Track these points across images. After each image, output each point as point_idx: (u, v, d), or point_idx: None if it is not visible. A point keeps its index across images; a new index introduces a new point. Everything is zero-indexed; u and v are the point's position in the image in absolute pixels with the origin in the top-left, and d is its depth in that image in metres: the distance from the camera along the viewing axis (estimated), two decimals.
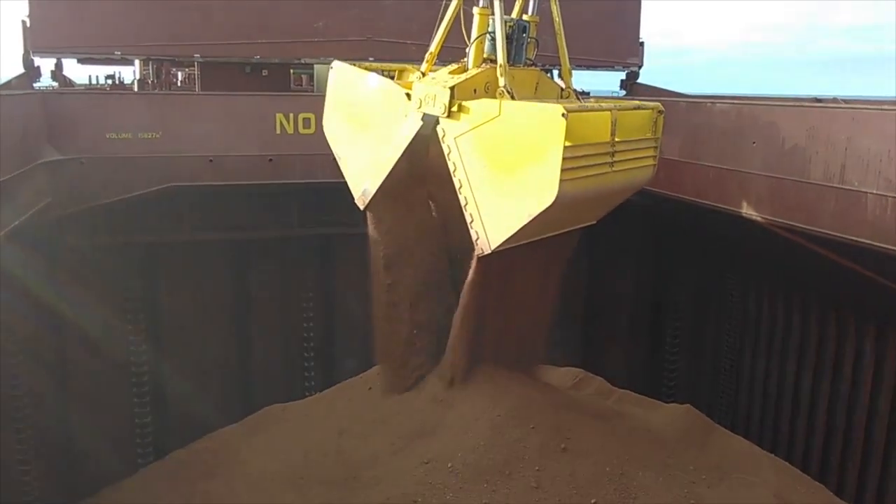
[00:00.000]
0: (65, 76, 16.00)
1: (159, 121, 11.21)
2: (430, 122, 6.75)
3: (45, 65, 13.98)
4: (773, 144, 9.96)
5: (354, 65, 7.31)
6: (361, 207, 7.70)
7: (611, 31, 15.69)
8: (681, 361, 14.92)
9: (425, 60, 7.18)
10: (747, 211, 10.34)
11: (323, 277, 13.69)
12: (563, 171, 5.73)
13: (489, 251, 6.21)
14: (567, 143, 5.74)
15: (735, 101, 11.29)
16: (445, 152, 6.46)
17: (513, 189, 6.02)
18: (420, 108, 6.61)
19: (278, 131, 11.60)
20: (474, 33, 6.86)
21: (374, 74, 7.06)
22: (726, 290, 13.56)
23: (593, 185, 6.42)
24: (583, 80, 16.16)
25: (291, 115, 11.59)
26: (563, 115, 5.72)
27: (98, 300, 11.57)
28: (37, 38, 12.54)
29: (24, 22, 12.86)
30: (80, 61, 16.15)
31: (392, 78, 7.64)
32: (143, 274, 12.47)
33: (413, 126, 6.77)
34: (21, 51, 12.93)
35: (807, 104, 10.54)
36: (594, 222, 7.78)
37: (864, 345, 10.77)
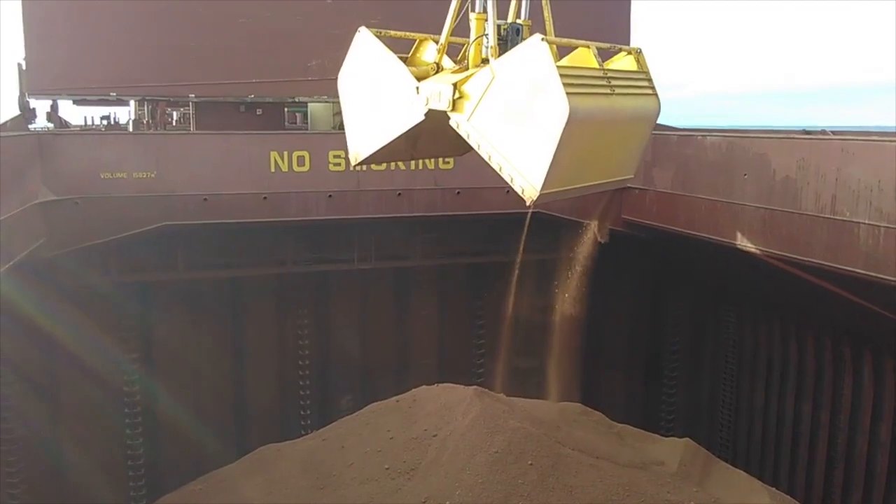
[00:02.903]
0: (60, 117, 16.14)
1: (154, 160, 11.26)
2: (431, 117, 6.93)
3: (41, 106, 14.13)
4: (764, 176, 10.05)
5: (380, 33, 7.46)
6: (353, 164, 7.89)
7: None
8: (679, 394, 14.86)
9: (437, 51, 7.39)
10: (741, 242, 10.38)
11: (318, 314, 13.66)
12: (564, 86, 5.86)
13: (537, 195, 6.26)
14: (557, 64, 5.99)
15: (726, 134, 11.41)
16: (465, 137, 6.61)
17: (533, 129, 6.14)
18: (427, 104, 6.80)
19: (273, 169, 11.65)
20: (472, 36, 7.06)
21: (392, 57, 7.22)
22: (722, 321, 13.57)
23: (603, 106, 6.54)
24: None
25: (286, 154, 11.65)
26: (541, 39, 6.04)
27: (92, 339, 11.53)
28: (33, 81, 12.65)
29: (20, 65, 13.01)
30: (76, 102, 16.27)
31: (412, 46, 7.81)
32: (138, 313, 12.43)
33: (416, 117, 6.99)
34: (17, 93, 13.07)
35: (796, 136, 10.65)
36: (631, 175, 7.82)
37: (861, 373, 10.76)
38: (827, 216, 9.07)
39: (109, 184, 10.97)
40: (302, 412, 13.60)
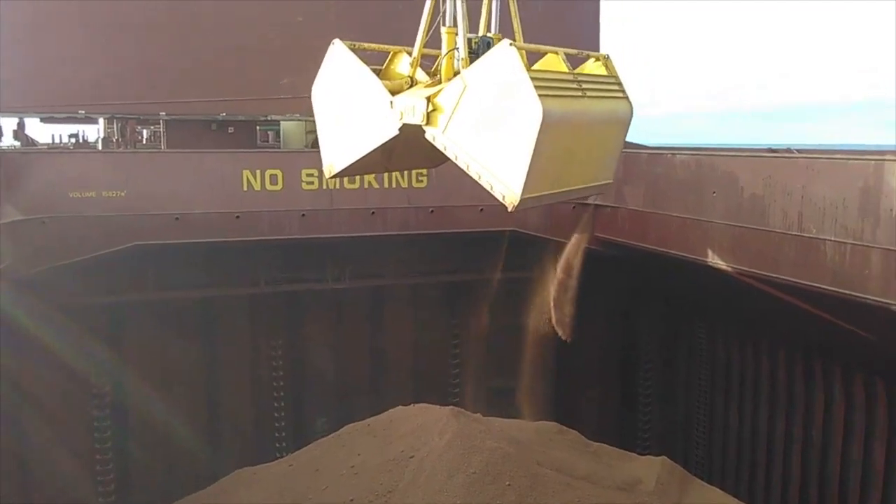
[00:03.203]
0: (27, 135, 15.88)
1: (124, 179, 11.11)
2: (406, 129, 6.91)
3: (8, 124, 13.90)
4: (732, 194, 10.20)
5: (354, 46, 7.45)
6: (327, 176, 7.86)
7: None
8: (654, 412, 14.93)
9: (410, 65, 7.39)
10: (712, 259, 10.50)
11: (292, 335, 13.54)
12: (536, 89, 5.90)
13: (518, 201, 6.24)
14: (527, 69, 6.04)
15: (695, 153, 11.58)
16: (442, 149, 6.61)
17: (508, 134, 6.14)
18: (401, 119, 6.80)
19: (245, 188, 11.56)
20: (444, 49, 7.09)
21: (366, 70, 7.21)
22: (695, 337, 13.70)
23: (576, 108, 6.58)
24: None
25: (258, 172, 11.58)
26: (510, 44, 6.09)
27: (60, 362, 11.28)
28: None
29: None
30: (43, 120, 16.04)
31: (386, 58, 7.81)
32: (107, 334, 12.21)
33: (389, 132, 6.98)
34: None
35: (763, 154, 10.85)
36: (611, 180, 7.87)
37: (832, 388, 10.91)
38: (794, 233, 9.22)
39: (78, 203, 10.80)
40: (276, 434, 13.42)
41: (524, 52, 6.24)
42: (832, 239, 8.73)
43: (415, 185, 12.21)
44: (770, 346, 11.91)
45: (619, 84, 7.50)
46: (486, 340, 14.09)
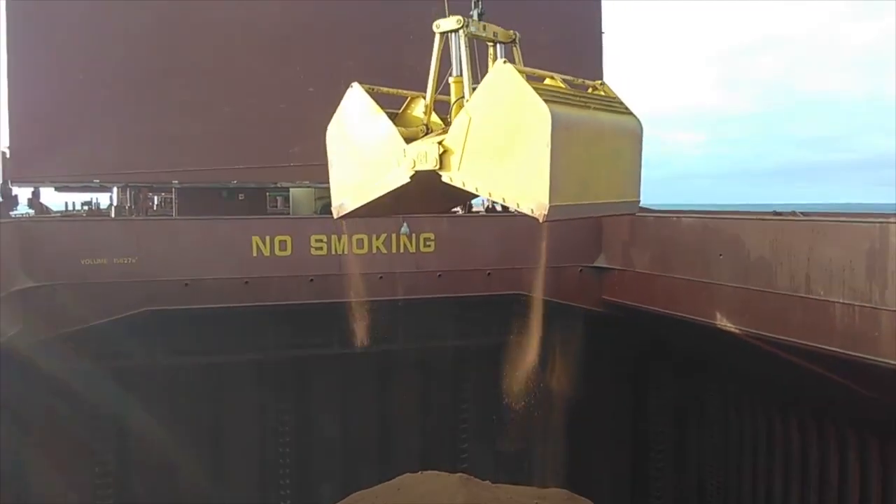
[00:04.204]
0: (41, 203, 16.14)
1: (136, 245, 11.26)
2: (418, 176, 6.99)
3: (23, 193, 14.16)
4: (739, 256, 10.26)
5: (373, 89, 7.57)
6: (335, 217, 7.87)
7: None
8: (666, 478, 14.63)
9: (423, 113, 7.53)
10: (720, 322, 10.48)
11: (299, 400, 13.46)
12: (539, 96, 5.93)
13: (547, 209, 6.19)
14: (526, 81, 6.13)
15: (700, 216, 11.70)
16: (461, 186, 6.67)
17: (523, 149, 6.15)
18: (413, 167, 6.89)
19: (255, 254, 11.69)
20: (452, 98, 7.24)
21: (383, 116, 7.31)
22: (706, 401, 13.53)
23: (583, 115, 6.60)
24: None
25: (267, 238, 11.72)
26: (503, 62, 6.18)
27: (64, 427, 11.23)
28: (16, 169, 12.74)
29: (3, 153, 13.11)
30: (58, 189, 16.35)
31: (403, 102, 7.92)
32: (113, 400, 12.16)
33: (402, 178, 7.06)
34: None
35: (767, 217, 10.94)
36: (638, 199, 7.84)
37: (846, 453, 10.71)
38: (802, 295, 9.23)
39: (90, 269, 10.92)
40: (282, 502, 13.20)
41: (524, 74, 6.39)
42: (841, 301, 8.73)
43: (423, 249, 12.32)
44: (782, 409, 11.75)
45: (622, 103, 7.65)
46: (495, 404, 13.95)
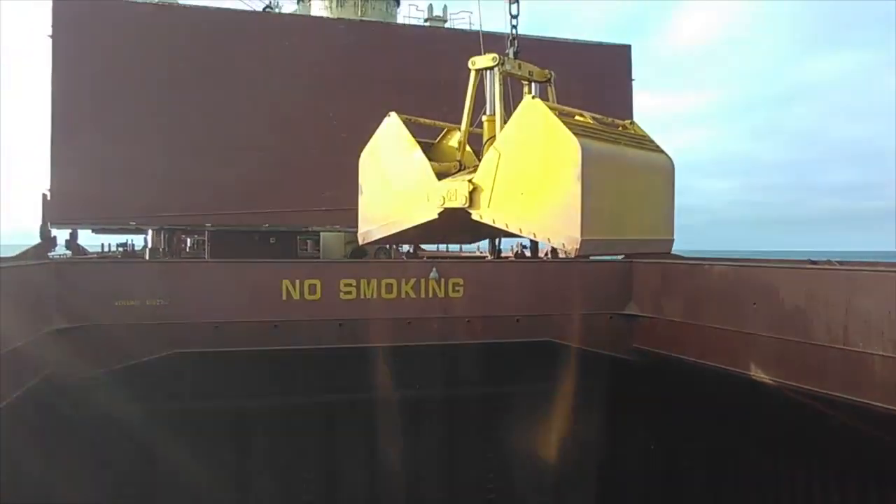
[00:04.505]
0: (78, 245, 16.51)
1: (168, 288, 11.40)
2: (446, 212, 6.92)
3: (61, 234, 14.49)
4: (773, 305, 10.04)
5: (410, 119, 7.53)
6: (360, 243, 7.81)
7: None
8: None
9: (457, 149, 7.51)
10: (755, 373, 10.23)
11: (325, 445, 13.35)
12: (569, 128, 5.79)
13: (579, 244, 6.05)
14: (552, 114, 5.96)
15: (733, 264, 11.51)
16: (490, 223, 6.59)
17: (553, 183, 6.01)
18: (443, 204, 6.84)
19: (284, 297, 11.75)
20: (485, 136, 7.22)
21: (418, 150, 7.29)
22: (740, 457, 13.12)
23: (613, 150, 6.44)
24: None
25: (297, 282, 11.78)
26: (532, 97, 6.08)
27: (87, 471, 11.22)
28: (56, 211, 13.06)
29: (44, 195, 13.46)
30: (95, 231, 16.72)
31: (440, 133, 7.89)
32: (138, 443, 12.17)
33: (430, 214, 7.04)
34: (40, 222, 13.44)
35: (803, 266, 10.74)
36: (671, 238, 7.66)
37: None
38: (840, 347, 8.98)
39: (122, 311, 11.06)
40: None
41: (555, 112, 6.31)
42: (881, 353, 8.47)
43: (451, 294, 12.28)
44: (820, 468, 11.34)
45: (652, 141, 7.56)
46: (524, 453, 13.71)
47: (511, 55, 7.50)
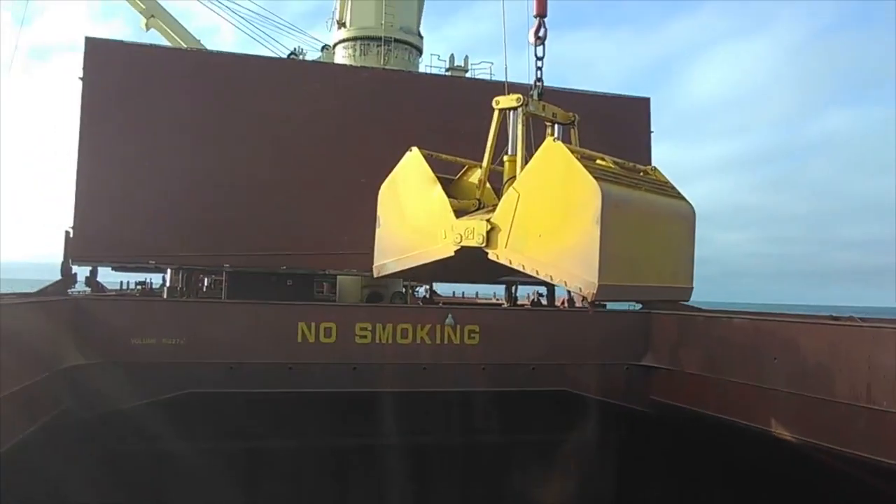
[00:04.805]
0: (98, 282, 16.63)
1: (184, 327, 11.43)
2: (463, 251, 6.86)
3: (82, 271, 14.62)
4: (794, 361, 9.88)
5: (431, 155, 7.52)
6: (374, 276, 7.71)
7: None
8: None
9: (477, 188, 7.48)
10: (775, 429, 10.02)
11: (337, 489, 13.18)
12: (588, 171, 5.72)
13: (596, 288, 5.91)
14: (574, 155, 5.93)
15: (753, 317, 11.40)
16: (507, 264, 6.52)
17: (572, 226, 5.91)
18: (460, 242, 6.78)
19: (300, 339, 11.74)
20: (506, 176, 7.21)
21: (437, 188, 7.25)
22: None
23: (634, 195, 6.34)
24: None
25: (313, 325, 11.78)
26: (553, 139, 6.02)
27: None
28: (78, 249, 13.18)
29: (67, 233, 13.62)
30: (115, 268, 16.86)
31: (460, 170, 7.87)
32: (150, 482, 12.07)
33: (446, 251, 6.98)
34: (61, 259, 13.58)
35: (824, 321, 10.60)
36: (690, 286, 7.50)
37: None
38: (863, 405, 8.80)
39: (139, 349, 11.09)
40: None
41: (577, 155, 6.30)
42: None
43: (467, 341, 12.21)
44: None
45: (674, 188, 7.50)
46: (537, 502, 13.45)
47: (535, 96, 7.57)
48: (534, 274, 6.42)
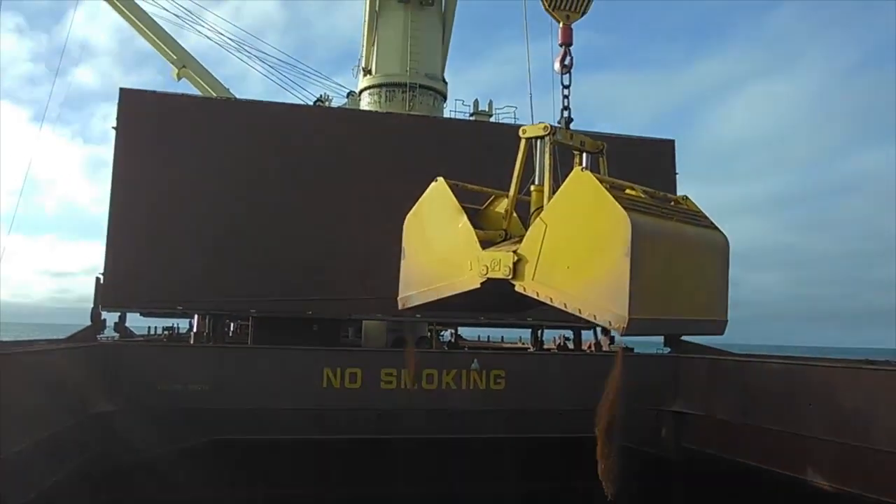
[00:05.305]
0: (126, 327, 16.79)
1: (210, 373, 11.47)
2: (489, 282, 6.77)
3: (111, 317, 14.76)
4: (831, 407, 9.62)
5: (457, 185, 7.49)
6: (399, 307, 7.56)
7: None
8: None
9: (503, 218, 7.42)
10: (811, 477, 9.72)
11: None
12: (617, 201, 5.60)
13: (626, 321, 5.72)
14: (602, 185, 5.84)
15: (787, 361, 11.15)
16: (534, 296, 6.39)
17: (601, 257, 5.77)
18: (486, 273, 6.70)
19: (325, 385, 11.70)
20: (532, 207, 7.13)
21: (463, 218, 7.19)
22: None
23: (666, 226, 6.18)
24: (626, 337, 16.25)
25: (338, 370, 11.76)
26: (581, 169, 5.91)
27: None
28: (109, 295, 13.31)
29: (98, 279, 13.79)
30: (143, 314, 17.00)
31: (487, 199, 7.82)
32: None
33: (472, 283, 6.86)
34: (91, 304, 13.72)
35: (861, 366, 10.33)
36: (725, 319, 7.25)
37: None
38: None
39: (165, 395, 11.12)
40: None
41: (605, 185, 6.17)
42: None
43: (493, 386, 12.09)
44: None
45: (707, 217, 7.34)
46: None
47: (563, 125, 7.54)
48: (561, 307, 6.28)
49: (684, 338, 15.94)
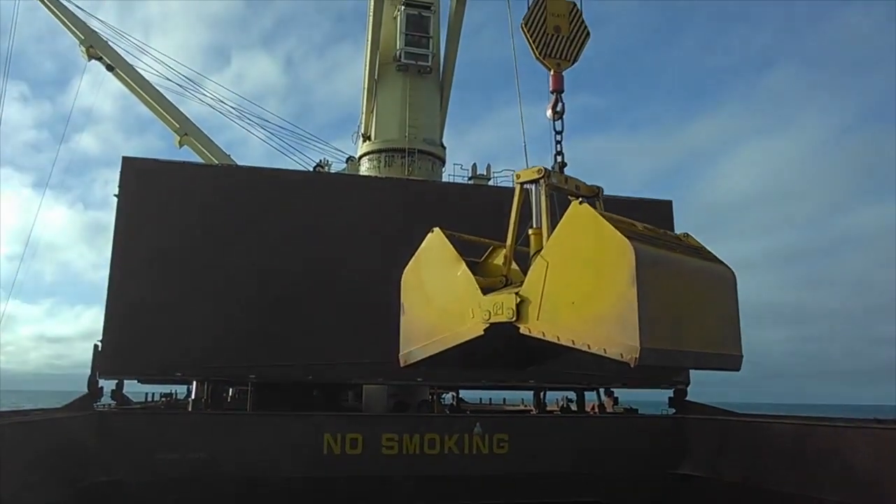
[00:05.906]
0: (123, 395, 16.56)
1: (208, 441, 11.27)
2: (493, 330, 6.60)
3: (108, 384, 14.56)
4: (841, 468, 9.43)
5: (454, 236, 7.37)
6: (401, 365, 7.33)
7: None
8: None
9: (503, 263, 7.30)
10: None
11: None
12: (620, 232, 5.48)
13: (638, 352, 5.49)
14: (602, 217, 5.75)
15: (795, 422, 10.98)
16: (540, 336, 6.21)
17: (607, 290, 5.59)
18: (489, 319, 6.53)
19: (325, 451, 11.49)
20: (531, 250, 7.03)
21: (462, 265, 7.06)
22: None
23: (671, 256, 6.00)
24: (630, 397, 16.08)
25: (339, 436, 11.56)
26: (580, 202, 5.81)
27: None
28: (106, 363, 13.16)
29: (96, 346, 13.67)
30: (141, 381, 16.80)
31: (485, 251, 7.70)
32: None
33: (475, 331, 6.68)
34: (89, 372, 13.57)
35: (869, 425, 10.16)
36: (739, 354, 6.98)
37: None
38: None
39: (162, 464, 10.89)
40: None
41: (603, 219, 6.09)
42: None
43: (496, 451, 11.86)
44: None
45: (710, 252, 7.24)
46: None
47: (557, 168, 7.57)
48: (569, 344, 6.14)
49: (690, 388, 15.70)
